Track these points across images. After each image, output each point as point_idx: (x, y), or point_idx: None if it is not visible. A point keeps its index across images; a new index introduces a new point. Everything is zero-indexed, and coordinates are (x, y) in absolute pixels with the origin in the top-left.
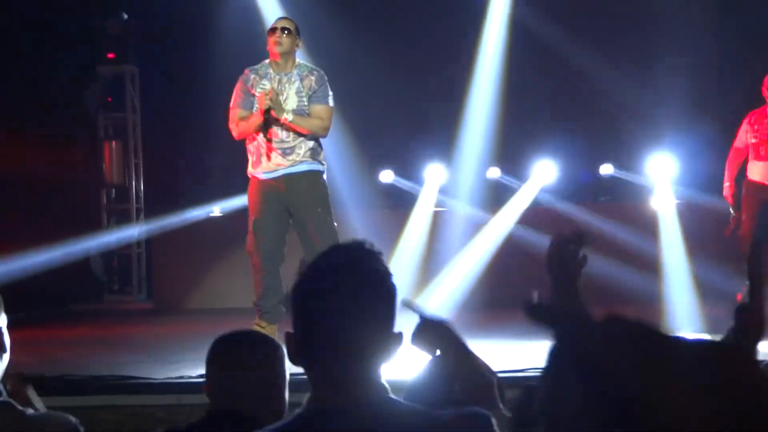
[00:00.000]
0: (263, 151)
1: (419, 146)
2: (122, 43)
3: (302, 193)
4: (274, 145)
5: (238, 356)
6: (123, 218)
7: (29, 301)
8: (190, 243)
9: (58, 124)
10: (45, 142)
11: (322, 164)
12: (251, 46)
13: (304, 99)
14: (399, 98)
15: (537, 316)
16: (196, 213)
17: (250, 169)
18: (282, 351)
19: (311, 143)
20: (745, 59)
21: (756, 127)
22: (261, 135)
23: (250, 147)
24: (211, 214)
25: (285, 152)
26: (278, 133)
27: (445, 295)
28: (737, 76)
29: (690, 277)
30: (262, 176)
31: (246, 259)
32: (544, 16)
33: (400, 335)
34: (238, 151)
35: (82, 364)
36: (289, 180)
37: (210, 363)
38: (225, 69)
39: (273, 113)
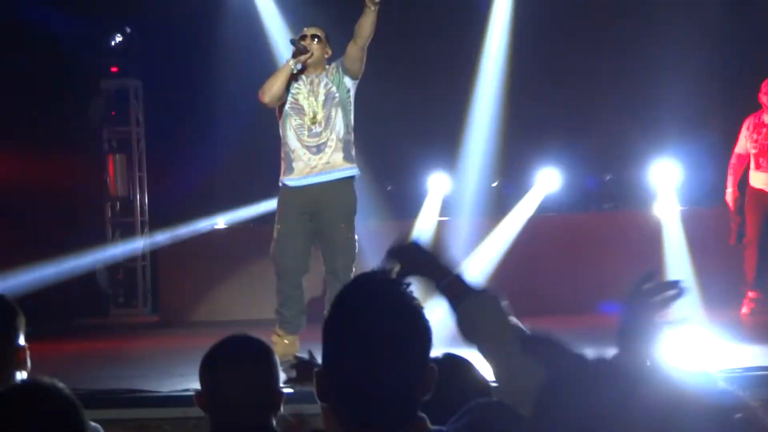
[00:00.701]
0: (293, 156)
1: (423, 155)
2: (126, 56)
3: (327, 206)
4: (304, 140)
5: (232, 359)
6: (128, 231)
7: (35, 315)
8: (195, 255)
9: (63, 138)
10: (49, 156)
11: (353, 164)
12: (254, 58)
13: (332, 87)
14: (403, 107)
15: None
16: (201, 225)
17: (281, 177)
18: (274, 354)
19: (342, 131)
20: (749, 67)
21: (755, 137)
22: (291, 134)
23: (282, 154)
24: (216, 227)
25: (318, 149)
26: (308, 122)
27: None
28: (740, 84)
29: (694, 285)
30: (291, 184)
31: (252, 271)
32: (547, 25)
33: (433, 371)
34: (243, 164)
35: (89, 378)
36: (317, 191)
37: (204, 368)
38: (228, 81)
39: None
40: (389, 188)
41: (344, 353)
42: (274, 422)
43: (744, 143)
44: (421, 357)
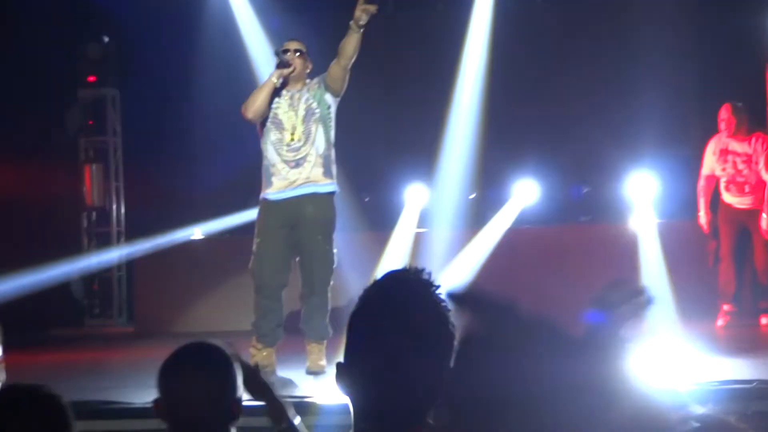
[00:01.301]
0: (272, 170)
1: (400, 167)
2: (103, 66)
3: (307, 219)
4: (283, 154)
5: (190, 366)
6: (104, 241)
7: (9, 325)
8: (171, 266)
9: (40, 148)
10: (26, 166)
11: (333, 180)
12: (232, 68)
13: (313, 102)
14: (381, 120)
15: (459, 302)
16: (178, 236)
17: (261, 191)
18: (233, 362)
19: (322, 147)
20: (724, 82)
21: (722, 166)
22: (271, 148)
23: (262, 168)
24: (192, 237)
25: (297, 163)
26: (287, 137)
27: None
28: (717, 97)
29: (669, 297)
30: (271, 198)
31: (228, 282)
32: (524, 38)
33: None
34: (220, 174)
35: (63, 389)
36: (295, 204)
37: (161, 375)
38: (206, 91)
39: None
40: (366, 199)
41: (366, 347)
42: None
43: (711, 165)
44: (442, 360)
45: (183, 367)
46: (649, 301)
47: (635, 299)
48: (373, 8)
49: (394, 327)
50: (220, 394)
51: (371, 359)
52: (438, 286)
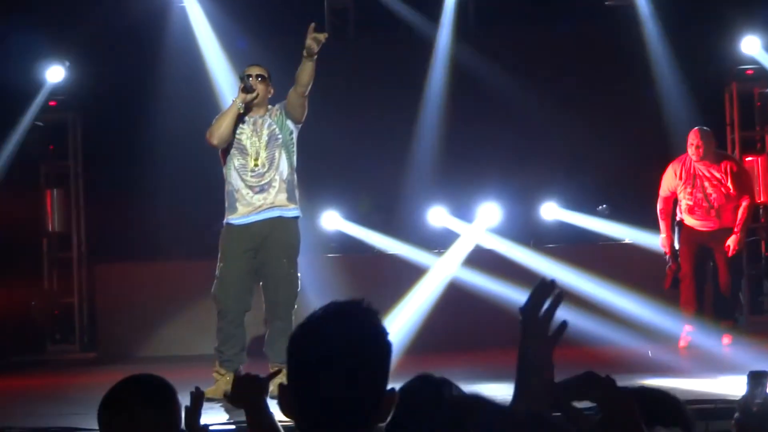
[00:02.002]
0: (237, 195)
1: (364, 190)
2: (64, 90)
3: (271, 241)
4: (247, 180)
5: (130, 399)
6: (65, 267)
7: None
8: (133, 291)
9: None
10: None
11: (296, 205)
12: (195, 92)
13: (275, 128)
14: (344, 144)
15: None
16: (140, 261)
17: (225, 216)
18: (176, 394)
19: (285, 172)
20: (684, 102)
21: (689, 189)
22: (234, 173)
23: (226, 193)
24: (155, 262)
25: (261, 189)
26: (251, 163)
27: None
28: (676, 123)
29: (633, 319)
30: (235, 222)
31: (191, 307)
32: (486, 62)
33: (393, 392)
34: (183, 199)
35: (24, 416)
36: (260, 228)
37: (100, 409)
38: (168, 115)
39: (245, 94)
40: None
41: (305, 371)
42: None
43: (671, 187)
44: (379, 383)
45: (123, 401)
46: (560, 296)
47: (545, 297)
48: (322, 36)
49: (329, 351)
50: (162, 426)
51: (309, 384)
52: (376, 311)
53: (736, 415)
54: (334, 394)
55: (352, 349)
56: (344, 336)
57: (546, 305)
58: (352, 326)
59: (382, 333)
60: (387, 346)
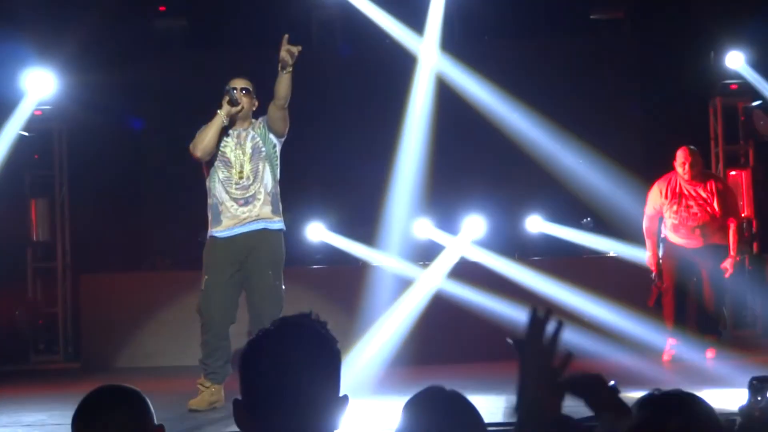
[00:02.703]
0: (221, 208)
1: (350, 203)
2: (50, 99)
3: (256, 253)
4: (232, 192)
5: (104, 412)
6: (49, 277)
7: None
8: (117, 301)
9: None
10: None
11: (281, 218)
12: (181, 103)
13: (259, 141)
14: (330, 155)
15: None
16: (124, 271)
17: (209, 229)
18: (148, 403)
19: (270, 185)
20: (668, 116)
21: (674, 207)
22: (219, 186)
23: (209, 206)
24: (140, 272)
25: (246, 201)
26: (236, 175)
27: (375, 351)
28: (660, 133)
29: (617, 331)
30: (220, 235)
31: (175, 317)
32: (471, 76)
33: (345, 399)
34: (167, 210)
35: (7, 426)
36: (245, 240)
37: (73, 422)
38: (153, 126)
39: (230, 107)
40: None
41: (258, 385)
42: None
43: (657, 206)
44: (331, 385)
45: (95, 412)
46: (560, 325)
47: (544, 326)
48: (296, 49)
49: (288, 364)
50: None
51: (268, 395)
52: (325, 322)
53: (739, 421)
54: (289, 406)
55: (304, 360)
56: (295, 347)
57: (547, 335)
58: (302, 338)
59: (332, 342)
60: (337, 355)
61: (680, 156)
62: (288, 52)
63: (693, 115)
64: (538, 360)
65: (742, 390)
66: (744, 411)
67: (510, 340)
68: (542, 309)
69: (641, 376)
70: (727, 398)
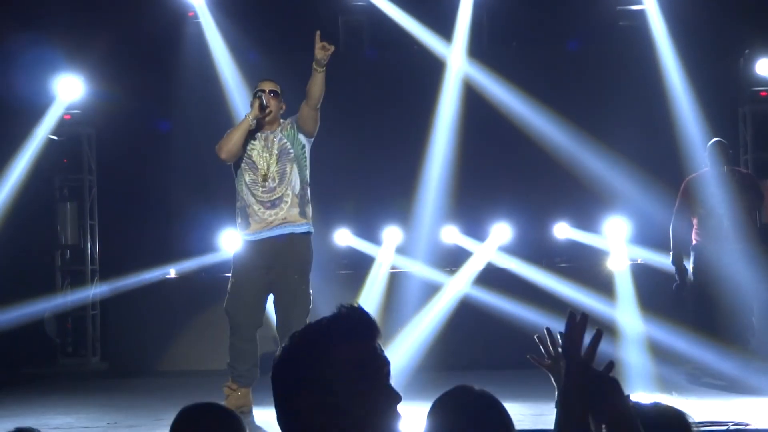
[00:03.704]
0: (249, 210)
1: (377, 208)
2: (79, 104)
3: (283, 258)
4: (258, 195)
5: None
6: (78, 280)
7: None
8: (145, 305)
9: (14, 185)
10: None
11: (308, 220)
12: (208, 107)
13: (287, 143)
14: (358, 161)
15: None
16: (152, 275)
17: (238, 231)
18: (243, 425)
19: (297, 187)
20: (698, 123)
21: (704, 208)
22: (245, 189)
23: (237, 209)
24: (168, 276)
25: (272, 204)
26: (261, 178)
27: (402, 356)
28: (689, 140)
29: (644, 338)
30: (248, 238)
31: (202, 321)
32: (499, 82)
33: (399, 416)
34: (195, 214)
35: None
36: (272, 244)
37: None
38: (182, 130)
39: (259, 111)
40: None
41: (290, 398)
42: None
43: (686, 205)
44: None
45: (197, 423)
46: (599, 334)
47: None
48: (331, 47)
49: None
50: None
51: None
52: (370, 321)
53: None
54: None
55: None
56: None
57: (586, 341)
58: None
59: (378, 348)
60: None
61: (714, 150)
62: (323, 48)
63: (722, 122)
64: (577, 367)
65: None
66: None
67: (529, 356)
68: (580, 314)
69: (668, 384)
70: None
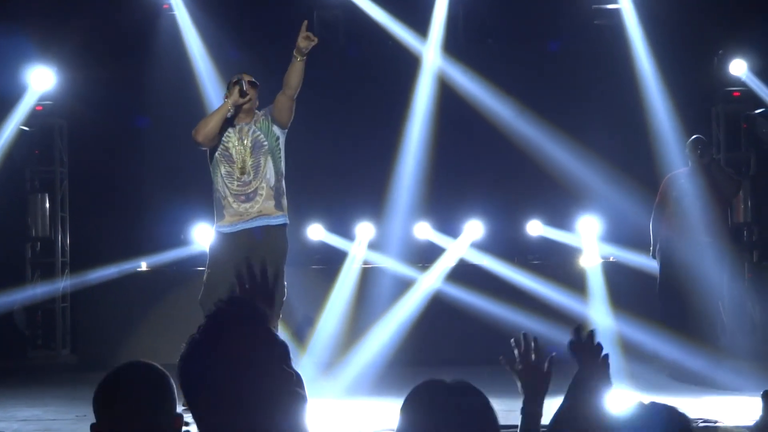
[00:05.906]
0: (224, 203)
1: (350, 204)
2: (51, 95)
3: (258, 249)
4: (233, 188)
5: (126, 385)
6: (48, 272)
7: None
8: (116, 298)
9: None
10: None
11: (284, 212)
12: (181, 100)
13: (260, 135)
14: (331, 156)
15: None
16: (123, 267)
17: (214, 223)
18: (169, 378)
19: (273, 179)
20: (671, 122)
21: (675, 202)
22: (221, 181)
23: (214, 199)
24: (139, 269)
25: (247, 197)
26: (237, 171)
27: (373, 352)
28: (662, 139)
29: (615, 335)
30: (223, 230)
31: (174, 314)
32: (473, 78)
33: (303, 396)
34: (167, 206)
35: (2, 421)
36: (248, 236)
37: (98, 398)
38: (155, 122)
39: (239, 97)
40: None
41: (198, 377)
42: None
43: (664, 199)
44: (278, 376)
45: (119, 388)
46: (606, 355)
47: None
48: (314, 38)
49: (228, 360)
50: (159, 410)
51: (212, 388)
52: (263, 312)
53: None
54: (228, 388)
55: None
56: (234, 332)
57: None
58: (241, 324)
59: (272, 333)
60: (280, 343)
61: (694, 145)
62: (307, 38)
63: (695, 122)
64: (589, 357)
65: (749, 398)
66: (759, 427)
67: (503, 359)
68: (585, 329)
69: (640, 381)
70: (737, 406)
